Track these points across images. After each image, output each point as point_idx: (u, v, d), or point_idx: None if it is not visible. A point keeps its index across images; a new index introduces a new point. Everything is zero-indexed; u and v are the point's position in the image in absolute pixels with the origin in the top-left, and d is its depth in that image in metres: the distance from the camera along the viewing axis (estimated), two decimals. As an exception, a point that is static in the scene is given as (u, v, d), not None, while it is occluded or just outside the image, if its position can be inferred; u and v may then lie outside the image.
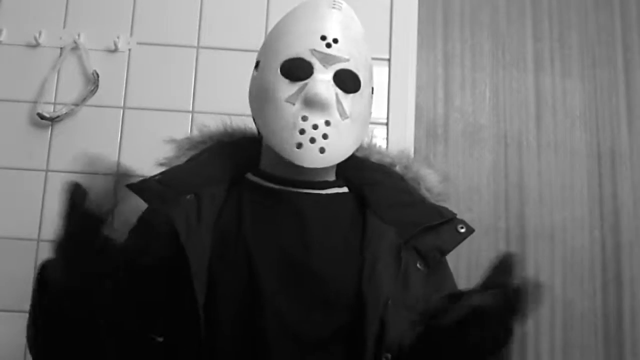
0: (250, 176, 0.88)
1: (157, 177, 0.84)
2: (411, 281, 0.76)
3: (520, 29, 1.53)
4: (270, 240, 0.78)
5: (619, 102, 1.51)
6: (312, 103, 0.77)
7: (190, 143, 0.96)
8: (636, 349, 1.41)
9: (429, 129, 1.47)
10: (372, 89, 0.89)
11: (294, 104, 0.78)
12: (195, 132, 0.99)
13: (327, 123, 0.77)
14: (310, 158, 0.77)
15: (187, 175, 0.85)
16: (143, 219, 0.86)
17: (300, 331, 0.73)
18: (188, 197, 0.79)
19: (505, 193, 1.45)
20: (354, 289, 0.74)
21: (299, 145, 0.76)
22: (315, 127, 0.77)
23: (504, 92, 1.50)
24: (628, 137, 1.50)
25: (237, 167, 0.88)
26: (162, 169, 0.93)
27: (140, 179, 0.83)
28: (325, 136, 0.77)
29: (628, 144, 1.49)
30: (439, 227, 0.82)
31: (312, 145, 0.76)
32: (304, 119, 0.77)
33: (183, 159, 0.93)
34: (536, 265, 1.42)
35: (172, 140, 0.97)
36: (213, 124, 0.97)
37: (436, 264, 0.81)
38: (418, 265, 0.78)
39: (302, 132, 0.76)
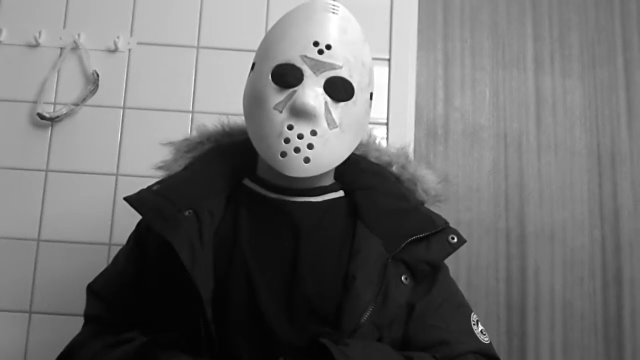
0: (247, 182, 0.87)
1: (154, 188, 0.82)
2: (391, 297, 0.75)
3: (520, 29, 1.53)
4: (267, 256, 0.77)
5: (619, 102, 1.51)
6: (298, 112, 0.75)
7: (189, 145, 0.93)
8: (636, 349, 1.41)
9: (429, 129, 1.47)
10: (371, 94, 0.86)
11: (281, 112, 0.76)
12: (194, 133, 0.97)
13: (313, 133, 0.75)
14: (294, 167, 0.75)
15: (184, 186, 0.83)
16: (140, 233, 0.88)
17: (293, 345, 0.72)
18: (187, 213, 0.77)
19: (505, 193, 1.45)
20: (337, 302, 0.73)
21: (283, 154, 0.75)
22: (300, 136, 0.75)
23: (504, 92, 1.50)
24: (628, 137, 1.50)
25: (235, 172, 0.87)
26: (161, 172, 0.92)
27: (138, 190, 0.82)
28: (310, 146, 0.75)
29: (628, 144, 1.49)
30: (430, 236, 0.80)
31: (297, 154, 0.75)
32: (290, 127, 0.75)
33: (181, 162, 0.91)
34: (536, 265, 1.42)
35: (170, 143, 0.94)
36: (211, 123, 0.96)
37: (424, 277, 0.80)
38: (403, 279, 0.77)
39: (287, 140, 0.75)
